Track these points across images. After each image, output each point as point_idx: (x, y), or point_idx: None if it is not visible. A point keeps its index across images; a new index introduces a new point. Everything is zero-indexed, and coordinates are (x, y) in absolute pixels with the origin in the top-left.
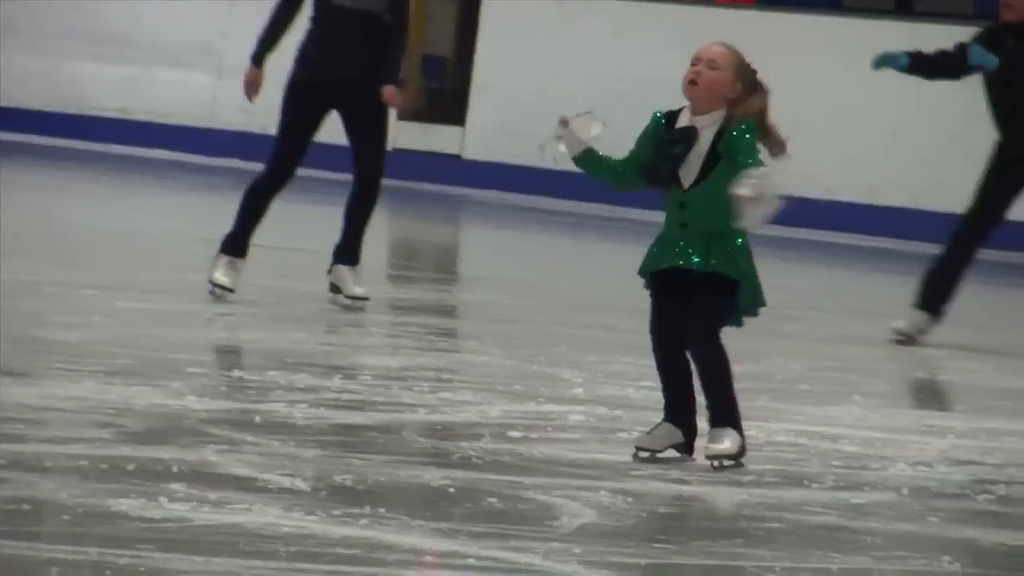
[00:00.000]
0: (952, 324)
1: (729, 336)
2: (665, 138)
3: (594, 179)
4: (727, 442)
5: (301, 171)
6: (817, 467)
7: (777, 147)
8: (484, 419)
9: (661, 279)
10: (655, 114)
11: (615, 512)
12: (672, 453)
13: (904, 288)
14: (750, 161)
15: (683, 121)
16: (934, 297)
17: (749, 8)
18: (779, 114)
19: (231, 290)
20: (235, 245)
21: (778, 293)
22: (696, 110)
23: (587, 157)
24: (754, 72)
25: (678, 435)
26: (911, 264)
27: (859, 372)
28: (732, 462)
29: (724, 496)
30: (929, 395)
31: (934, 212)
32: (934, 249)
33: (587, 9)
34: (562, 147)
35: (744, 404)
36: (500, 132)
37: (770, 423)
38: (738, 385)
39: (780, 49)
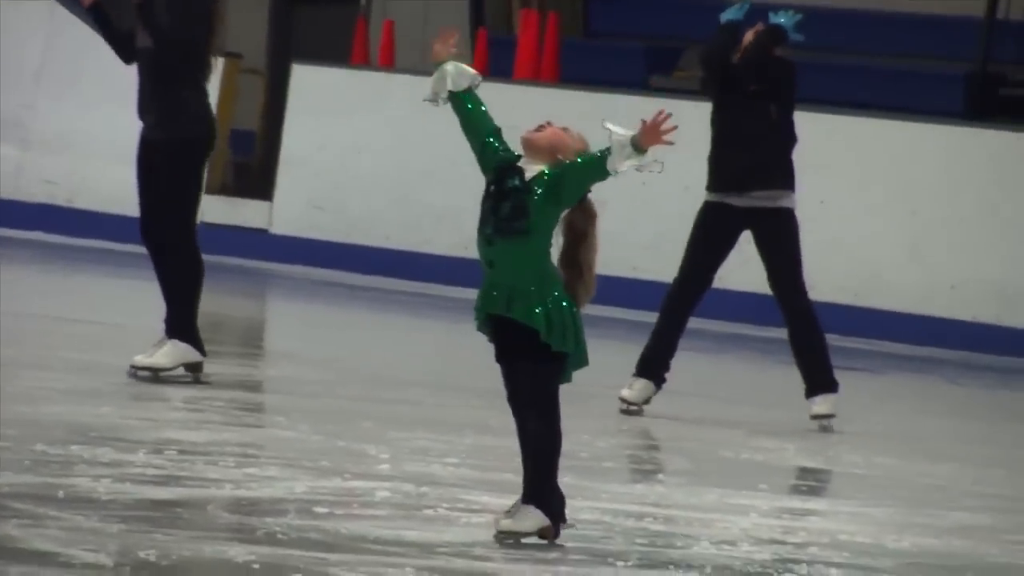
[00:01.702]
0: (754, 403)
1: None
2: (503, 167)
3: (465, 121)
4: (522, 520)
5: (117, 246)
6: (622, 545)
7: (584, 292)
8: (289, 495)
9: (492, 327)
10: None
11: None
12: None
13: (706, 366)
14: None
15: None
16: (655, 365)
17: (554, 87)
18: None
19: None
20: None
21: (584, 370)
22: (529, 156)
23: (469, 96)
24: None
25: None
26: (715, 343)
27: (663, 450)
28: (522, 539)
29: (530, 573)
30: (732, 474)
31: (738, 292)
32: (741, 329)
33: (395, 84)
34: (448, 82)
35: None
36: (307, 207)
37: (575, 500)
38: None
39: (585, 129)
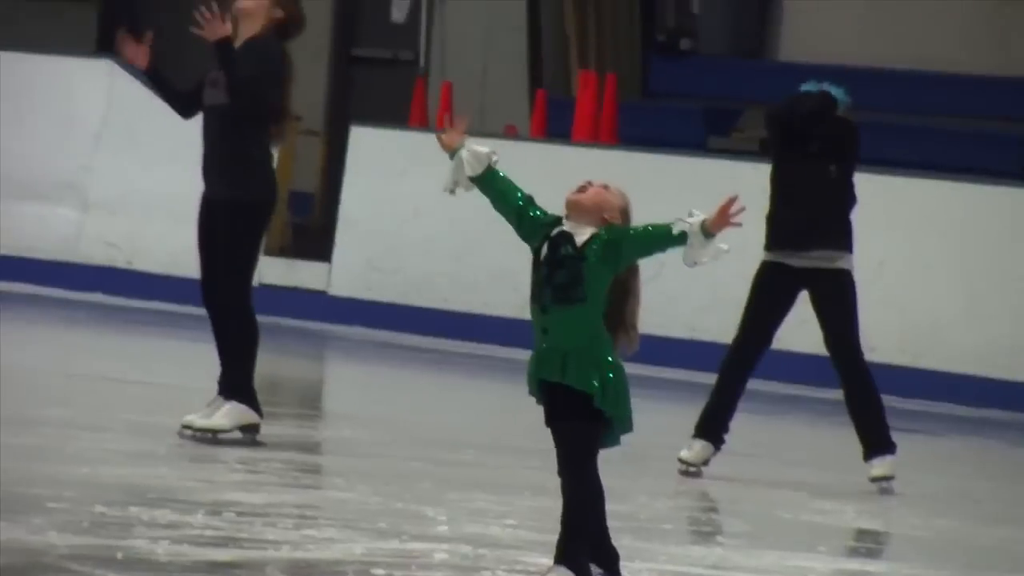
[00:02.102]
0: (812, 464)
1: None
2: (554, 236)
3: (495, 199)
4: None
5: (176, 307)
6: None
7: (628, 346)
8: (348, 556)
9: (543, 392)
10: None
11: None
12: None
13: (764, 427)
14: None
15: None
16: (714, 426)
17: (613, 148)
18: None
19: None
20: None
21: (642, 431)
22: (575, 218)
23: (491, 175)
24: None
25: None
26: (772, 404)
27: (722, 512)
28: None
29: None
30: (791, 535)
31: (796, 353)
32: (799, 390)
33: None
34: (467, 169)
35: None
36: (366, 268)
37: (634, 562)
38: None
39: (643, 189)
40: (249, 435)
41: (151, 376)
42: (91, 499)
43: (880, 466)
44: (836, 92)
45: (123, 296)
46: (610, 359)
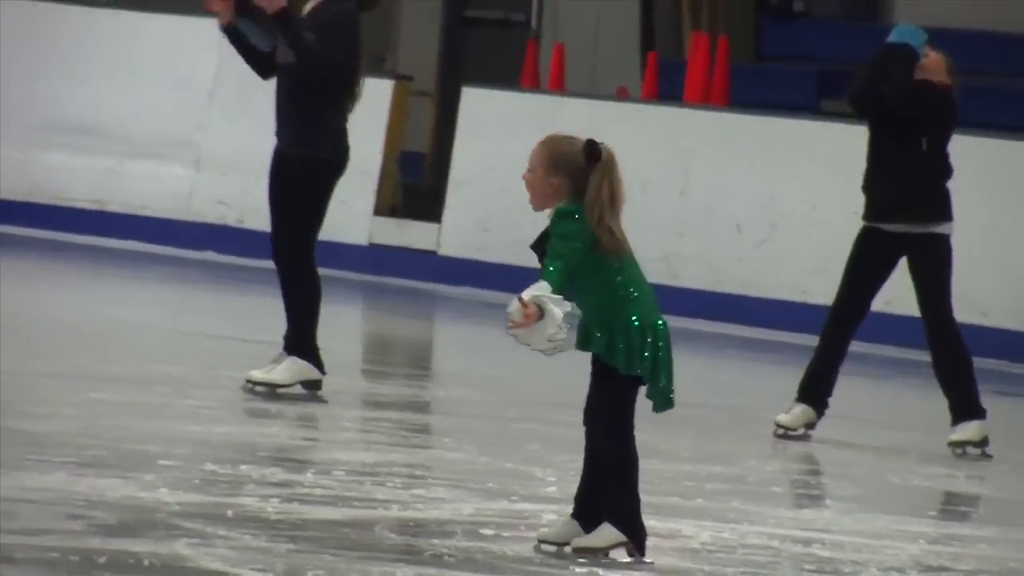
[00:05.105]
0: (923, 429)
1: (705, 438)
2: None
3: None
4: (595, 537)
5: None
6: (789, 571)
7: (612, 244)
8: (457, 516)
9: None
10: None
11: None
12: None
13: (874, 392)
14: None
15: None
16: (815, 391)
17: (724, 111)
18: (755, 216)
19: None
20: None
21: (752, 395)
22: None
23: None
24: (581, 153)
25: (577, 529)
26: (882, 368)
27: (832, 475)
28: (601, 556)
29: None
30: (901, 500)
31: (905, 316)
32: (909, 354)
33: (564, 107)
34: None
35: (717, 506)
36: (476, 228)
37: (743, 525)
38: (712, 487)
39: (755, 152)
40: (310, 391)
41: (262, 334)
42: (202, 457)
43: (962, 431)
44: (912, 37)
45: (235, 255)
46: (632, 322)
